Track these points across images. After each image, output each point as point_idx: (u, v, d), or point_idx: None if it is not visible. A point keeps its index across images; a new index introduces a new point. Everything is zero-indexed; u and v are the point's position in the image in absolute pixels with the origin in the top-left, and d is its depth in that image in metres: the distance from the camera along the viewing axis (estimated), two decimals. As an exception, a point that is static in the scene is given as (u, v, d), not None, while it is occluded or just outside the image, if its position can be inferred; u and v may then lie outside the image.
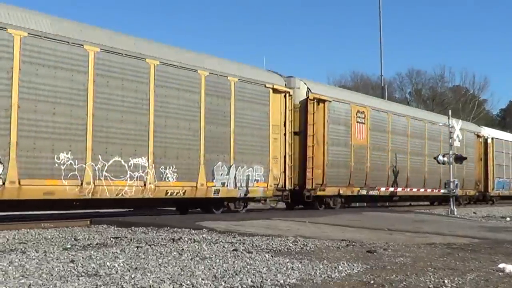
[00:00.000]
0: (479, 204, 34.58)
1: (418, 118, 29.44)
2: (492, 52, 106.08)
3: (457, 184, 25.23)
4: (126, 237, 11.20)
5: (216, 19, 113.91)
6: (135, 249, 9.26)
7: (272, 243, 10.30)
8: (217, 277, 6.81)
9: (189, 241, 10.52)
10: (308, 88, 21.96)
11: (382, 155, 25.90)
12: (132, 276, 6.68)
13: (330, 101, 22.47)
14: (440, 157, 24.86)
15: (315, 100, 21.86)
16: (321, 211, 21.37)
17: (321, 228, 14.11)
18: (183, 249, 9.26)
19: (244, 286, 6.37)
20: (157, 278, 6.60)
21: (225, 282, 6.46)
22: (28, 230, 12.55)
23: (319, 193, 21.93)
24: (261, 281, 6.58)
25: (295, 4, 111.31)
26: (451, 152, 24.68)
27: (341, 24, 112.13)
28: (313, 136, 21.53)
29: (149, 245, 9.76)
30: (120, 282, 6.29)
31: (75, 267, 7.26)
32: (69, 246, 9.82)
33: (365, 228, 14.33)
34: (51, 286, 6.10)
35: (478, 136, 34.43)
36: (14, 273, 6.83)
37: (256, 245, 10.01)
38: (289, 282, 6.63)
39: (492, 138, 35.65)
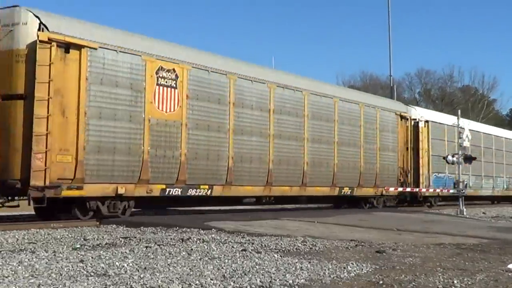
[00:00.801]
0: (407, 207, 27.45)
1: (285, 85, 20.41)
2: (502, 52, 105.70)
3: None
4: (135, 237, 11.23)
5: (225, 18, 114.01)
6: (144, 249, 9.28)
7: (281, 243, 10.31)
8: (226, 277, 6.81)
9: (198, 241, 10.53)
10: (41, 23, 13.63)
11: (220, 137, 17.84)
12: (141, 276, 6.69)
13: (94, 48, 14.35)
14: (450, 157, 24.70)
15: (58, 44, 13.68)
16: (332, 211, 21.31)
17: (330, 228, 14.10)
18: (192, 249, 9.28)
19: (253, 286, 6.37)
20: (166, 278, 6.61)
21: (234, 282, 6.47)
22: (38, 230, 12.60)
23: (67, 193, 13.87)
24: (270, 281, 6.58)
25: (304, 4, 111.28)
26: (460, 152, 24.53)
27: (351, 24, 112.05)
28: (48, 101, 13.41)
29: (158, 245, 9.78)
30: (129, 282, 6.31)
31: (85, 267, 7.29)
32: (78, 246, 9.86)
33: (374, 228, 14.31)
34: (60, 285, 6.12)
35: (403, 117, 26.33)
36: (23, 272, 6.86)
37: (265, 245, 10.02)
38: (298, 282, 6.63)
39: (427, 122, 28.13)
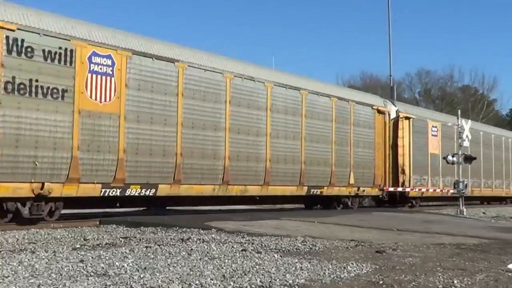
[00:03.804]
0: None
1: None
2: (502, 52, 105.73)
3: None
4: (135, 237, 11.24)
5: (225, 18, 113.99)
6: (144, 249, 9.28)
7: (281, 243, 10.30)
8: (226, 277, 6.81)
9: (198, 241, 10.53)
10: None
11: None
12: (141, 276, 6.69)
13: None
14: (450, 157, 24.68)
15: None
16: (332, 211, 21.32)
17: (330, 228, 14.10)
18: (192, 249, 9.28)
19: (253, 286, 6.37)
20: (166, 278, 6.61)
21: (234, 282, 6.47)
22: (38, 230, 12.61)
23: None
24: (270, 281, 6.58)
25: (304, 4, 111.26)
26: (461, 152, 24.53)
27: (351, 24, 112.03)
28: None
29: (158, 245, 9.78)
30: (129, 282, 6.31)
31: (85, 267, 7.29)
32: (78, 246, 9.86)
33: (374, 228, 14.31)
34: (60, 285, 6.12)
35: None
36: (23, 272, 6.86)
37: (265, 245, 10.02)
38: (298, 282, 6.63)
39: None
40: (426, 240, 11.72)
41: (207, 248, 9.51)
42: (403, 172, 26.15)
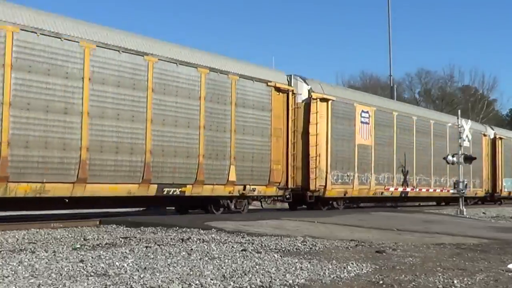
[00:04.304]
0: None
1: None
2: (502, 52, 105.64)
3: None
4: (135, 237, 11.24)
5: (225, 18, 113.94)
6: (144, 249, 9.28)
7: (281, 243, 10.31)
8: (226, 277, 6.81)
9: (198, 241, 10.53)
10: None
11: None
12: (141, 276, 6.69)
13: None
14: (450, 157, 24.66)
15: None
16: (332, 211, 21.29)
17: (330, 228, 14.10)
18: (192, 249, 9.28)
19: (253, 286, 6.37)
20: (166, 278, 6.61)
21: (234, 282, 6.47)
22: (38, 230, 12.61)
23: None
24: (270, 281, 6.58)
25: (304, 4, 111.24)
26: (460, 152, 24.51)
27: (351, 24, 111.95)
28: None
29: (158, 245, 9.78)
30: (129, 282, 6.31)
31: (85, 267, 7.29)
32: (78, 246, 9.86)
33: (374, 228, 14.31)
34: (60, 285, 6.12)
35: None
36: (23, 272, 6.86)
37: (265, 245, 10.02)
38: (298, 282, 6.63)
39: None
40: (426, 240, 11.72)
41: (207, 248, 9.51)
42: (317, 167, 21.18)
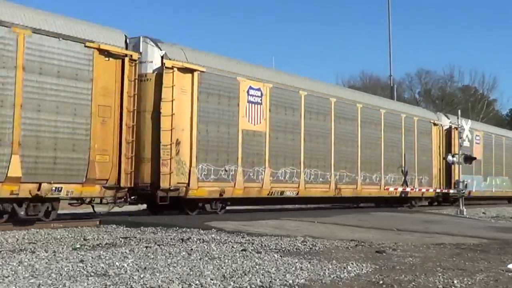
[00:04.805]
0: None
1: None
2: (502, 52, 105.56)
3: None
4: (135, 237, 11.24)
5: (225, 18, 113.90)
6: (144, 249, 9.28)
7: (281, 243, 10.31)
8: (226, 277, 6.81)
9: (198, 241, 10.54)
10: None
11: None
12: (141, 276, 6.69)
13: None
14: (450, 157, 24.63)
15: None
16: (332, 211, 21.24)
17: (330, 228, 14.10)
18: (192, 249, 9.28)
19: (253, 286, 6.38)
20: (166, 278, 6.61)
21: (234, 282, 6.47)
22: (38, 230, 12.61)
23: None
24: (270, 281, 6.58)
25: (304, 4, 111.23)
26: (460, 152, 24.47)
27: (351, 24, 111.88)
28: None
29: (158, 245, 9.78)
30: (129, 282, 6.31)
31: (85, 267, 7.29)
32: (78, 246, 9.86)
33: (374, 228, 14.31)
34: (60, 285, 6.12)
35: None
36: (23, 272, 6.86)
37: (265, 245, 10.02)
38: (298, 282, 6.63)
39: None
40: (426, 240, 11.72)
41: (207, 248, 9.51)
42: (173, 158, 15.93)
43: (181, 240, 10.69)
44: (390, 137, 25.03)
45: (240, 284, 6.42)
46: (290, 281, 6.63)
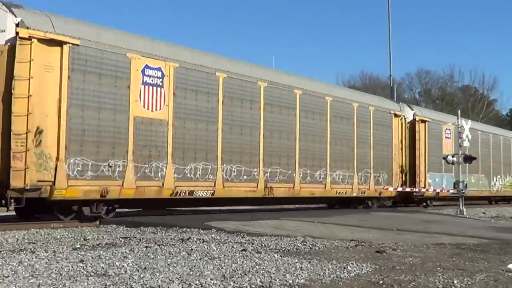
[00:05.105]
0: None
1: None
2: (502, 52, 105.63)
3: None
4: (135, 237, 11.24)
5: (225, 18, 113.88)
6: (144, 249, 9.28)
7: (281, 243, 10.31)
8: (226, 277, 6.81)
9: (198, 241, 10.53)
10: None
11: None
12: (141, 276, 6.69)
13: None
14: (450, 157, 24.58)
15: None
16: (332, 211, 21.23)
17: (330, 228, 14.10)
18: (192, 249, 9.28)
19: (253, 286, 6.37)
20: (166, 278, 6.61)
21: (234, 282, 6.47)
22: (38, 230, 12.61)
23: None
24: (270, 281, 6.58)
25: (304, 4, 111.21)
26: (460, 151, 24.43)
27: (351, 24, 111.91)
28: None
29: (158, 245, 9.78)
30: (129, 282, 6.31)
31: (84, 267, 7.29)
32: (78, 246, 9.86)
33: (374, 228, 14.31)
34: (60, 285, 6.12)
35: None
36: (23, 272, 6.86)
37: (265, 245, 10.02)
38: (298, 282, 6.63)
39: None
40: (426, 240, 11.72)
41: (207, 248, 9.51)
42: (30, 150, 12.89)
43: (181, 240, 10.69)
44: (338, 129, 22.04)
45: (240, 284, 6.42)
46: (290, 281, 6.63)
